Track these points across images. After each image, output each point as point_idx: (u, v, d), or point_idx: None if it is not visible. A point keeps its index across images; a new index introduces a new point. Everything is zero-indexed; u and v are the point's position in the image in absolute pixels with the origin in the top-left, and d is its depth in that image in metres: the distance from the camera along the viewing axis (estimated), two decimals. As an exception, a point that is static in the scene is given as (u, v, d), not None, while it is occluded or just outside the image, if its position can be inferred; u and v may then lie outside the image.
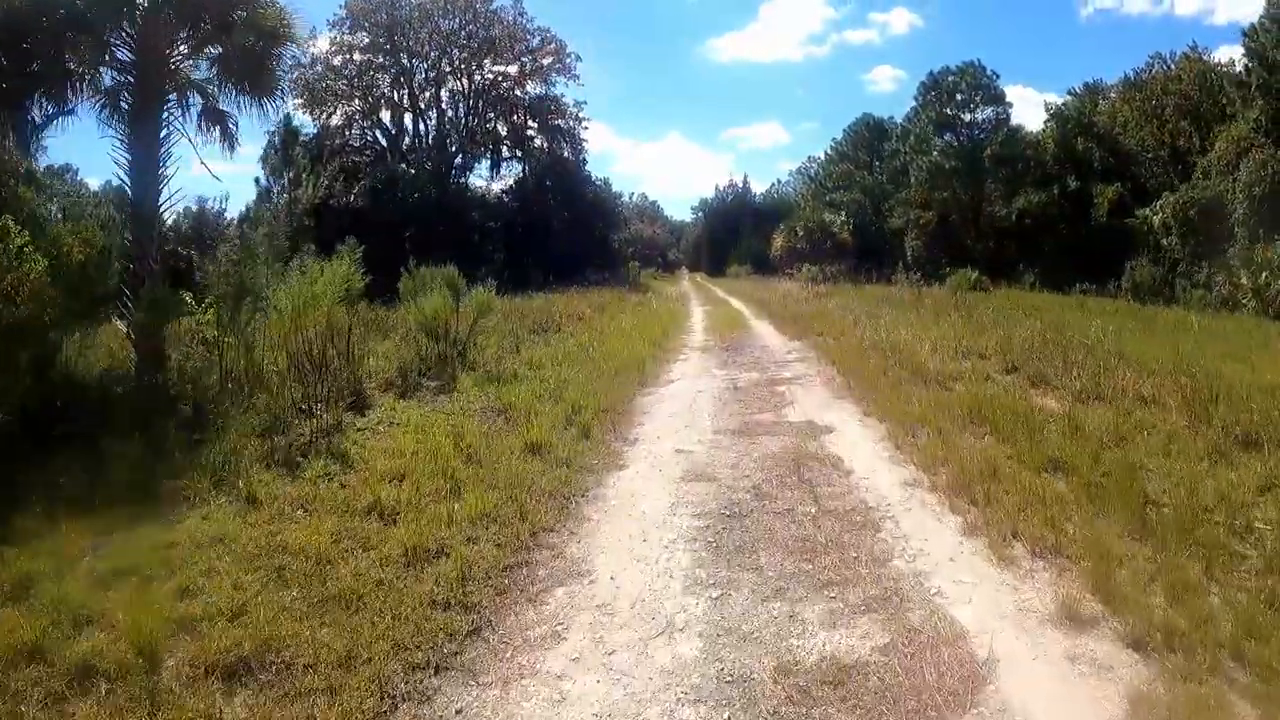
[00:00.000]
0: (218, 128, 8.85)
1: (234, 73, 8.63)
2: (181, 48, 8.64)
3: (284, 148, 29.94)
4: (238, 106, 8.75)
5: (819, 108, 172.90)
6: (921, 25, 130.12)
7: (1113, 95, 46.66)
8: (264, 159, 30.61)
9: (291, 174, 29.44)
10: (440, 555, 4.23)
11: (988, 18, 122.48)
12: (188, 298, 7.91)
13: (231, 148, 9.05)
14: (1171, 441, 5.77)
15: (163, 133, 8.28)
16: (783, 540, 4.55)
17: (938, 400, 7.52)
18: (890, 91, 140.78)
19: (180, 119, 8.57)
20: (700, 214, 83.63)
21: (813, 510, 5.02)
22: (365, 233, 30.01)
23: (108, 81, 8.39)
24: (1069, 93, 47.02)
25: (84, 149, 56.67)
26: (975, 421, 6.71)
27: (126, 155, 8.13)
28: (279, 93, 9.21)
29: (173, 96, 8.49)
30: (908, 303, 17.52)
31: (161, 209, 8.33)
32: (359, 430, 6.81)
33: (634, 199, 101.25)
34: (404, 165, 35.63)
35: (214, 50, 8.73)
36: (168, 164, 8.28)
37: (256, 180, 31.22)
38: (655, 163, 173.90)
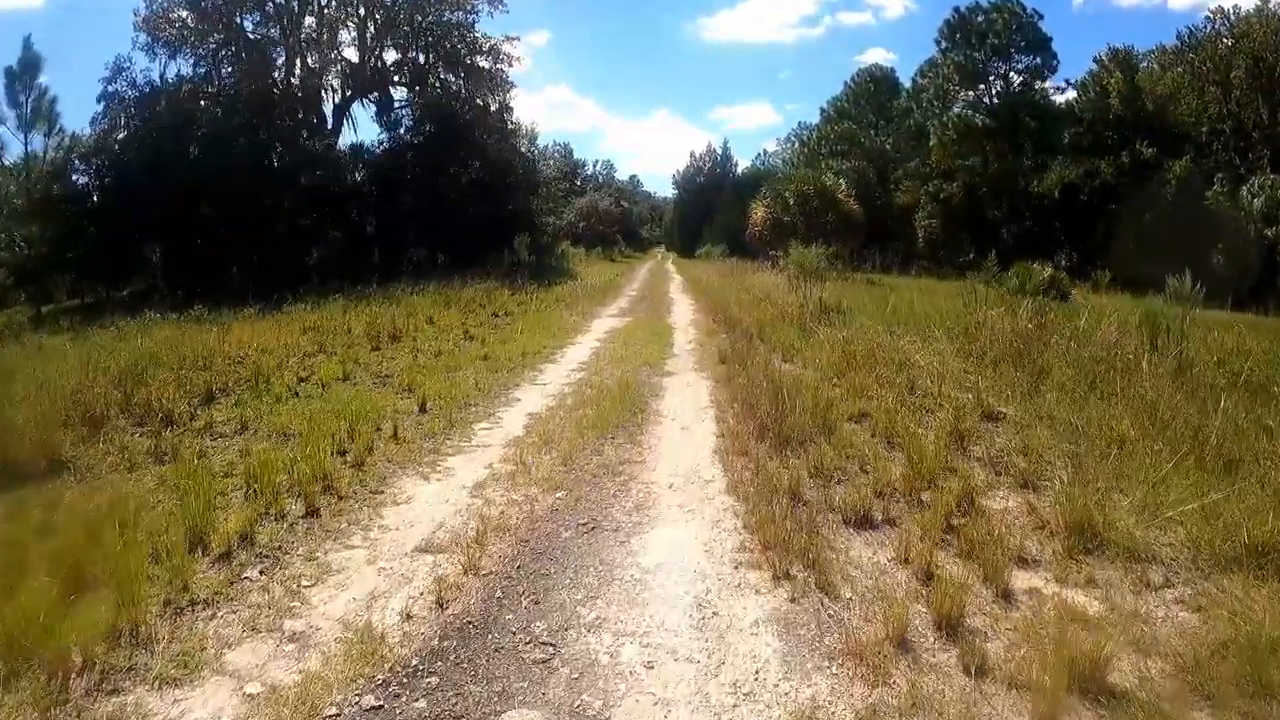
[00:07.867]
0: None
1: None
2: None
3: (10, 82, 19.99)
4: None
5: (810, 89, 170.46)
6: (916, 9, 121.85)
7: (1143, 64, 37.58)
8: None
9: (27, 115, 19.56)
10: None
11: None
12: None
13: None
14: None
15: None
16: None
17: None
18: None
19: None
20: (675, 188, 73.54)
21: None
22: (162, 203, 19.90)
23: None
24: (1094, 60, 37.67)
25: None
26: None
27: None
28: None
29: None
30: (1050, 341, 7.81)
31: None
32: None
33: (597, 167, 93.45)
34: (247, 110, 25.76)
35: None
36: None
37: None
38: (643, 140, 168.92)
